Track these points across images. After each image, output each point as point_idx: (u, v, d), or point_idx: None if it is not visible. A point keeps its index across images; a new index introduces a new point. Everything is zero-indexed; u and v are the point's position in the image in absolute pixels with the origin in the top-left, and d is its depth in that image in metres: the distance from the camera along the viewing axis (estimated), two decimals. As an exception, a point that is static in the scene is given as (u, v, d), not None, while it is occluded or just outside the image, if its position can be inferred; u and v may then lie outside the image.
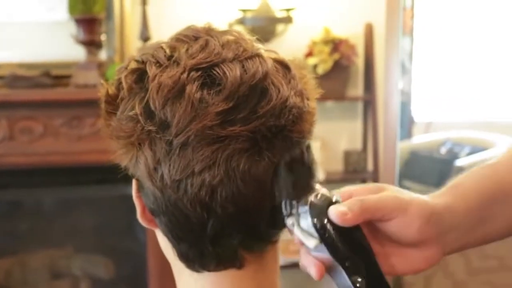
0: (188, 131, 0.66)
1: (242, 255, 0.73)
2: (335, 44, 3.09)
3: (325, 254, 0.67)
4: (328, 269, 0.68)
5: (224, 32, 0.74)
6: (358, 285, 0.66)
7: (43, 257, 3.29)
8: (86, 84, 2.84)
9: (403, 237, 0.71)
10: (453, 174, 2.12)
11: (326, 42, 3.09)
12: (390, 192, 0.72)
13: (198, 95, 0.66)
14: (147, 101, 0.68)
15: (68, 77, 2.90)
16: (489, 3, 1.81)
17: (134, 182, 0.76)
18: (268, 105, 0.67)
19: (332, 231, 0.66)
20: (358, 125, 3.29)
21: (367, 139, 3.27)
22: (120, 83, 0.73)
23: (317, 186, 0.71)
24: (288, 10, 3.05)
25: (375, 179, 3.25)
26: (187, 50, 0.71)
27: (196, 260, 0.75)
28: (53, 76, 2.91)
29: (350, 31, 3.16)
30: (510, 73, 1.76)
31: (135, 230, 3.22)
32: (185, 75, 0.67)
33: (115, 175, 2.84)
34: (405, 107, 2.06)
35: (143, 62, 0.72)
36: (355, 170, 3.23)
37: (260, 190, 0.69)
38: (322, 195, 0.69)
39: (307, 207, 0.68)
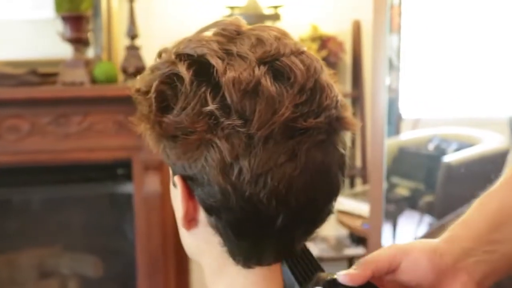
0: (271, 124, 0.66)
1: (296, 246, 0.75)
2: (323, 41, 3.09)
3: None
4: None
5: (265, 28, 0.74)
6: None
7: (31, 256, 3.28)
8: (73, 82, 2.82)
9: (419, 278, 0.69)
10: (441, 170, 2.13)
11: (314, 39, 3.09)
12: (390, 245, 0.73)
13: (273, 88, 0.67)
14: (223, 95, 0.67)
15: (55, 75, 2.88)
16: (476, 1, 1.82)
17: (181, 182, 0.73)
18: (329, 99, 0.70)
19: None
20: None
21: (355, 136, 3.27)
22: (172, 76, 0.71)
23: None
24: (276, 7, 3.05)
25: (364, 176, 3.26)
26: (242, 44, 0.70)
27: (255, 255, 0.74)
28: (40, 74, 2.89)
29: (338, 28, 3.17)
30: (496, 70, 1.78)
31: (124, 229, 3.21)
32: (256, 69, 0.67)
33: (103, 173, 2.83)
34: (393, 103, 2.06)
35: (198, 55, 0.70)
36: (343, 167, 3.23)
37: (329, 181, 0.71)
38: (330, 274, 0.71)
39: None
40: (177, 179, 0.73)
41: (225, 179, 0.68)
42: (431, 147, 2.15)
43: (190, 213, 0.75)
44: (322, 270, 0.72)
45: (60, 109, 2.86)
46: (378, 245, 2.19)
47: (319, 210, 0.73)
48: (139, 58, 2.92)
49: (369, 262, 0.69)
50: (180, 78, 0.69)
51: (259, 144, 0.66)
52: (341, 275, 0.69)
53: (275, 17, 3.06)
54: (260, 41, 0.70)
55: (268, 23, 3.15)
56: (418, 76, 2.00)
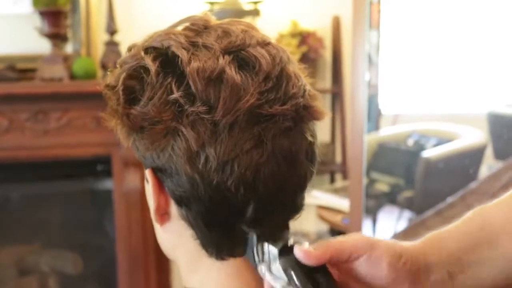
0: (236, 110, 0.67)
1: None
2: (303, 37, 3.09)
3: None
4: None
5: (233, 22, 0.75)
6: None
7: (10, 253, 3.25)
8: (51, 78, 2.80)
9: (375, 277, 0.68)
10: (420, 165, 2.15)
11: (293, 35, 3.09)
12: (358, 234, 0.70)
13: (238, 76, 0.68)
14: (187, 84, 0.67)
15: (33, 70, 2.86)
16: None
17: (151, 175, 0.73)
18: (296, 87, 0.71)
19: (299, 273, 0.66)
20: (326, 117, 3.29)
21: (335, 132, 3.28)
22: (138, 69, 0.71)
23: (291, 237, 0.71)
24: (255, 2, 3.04)
25: (344, 171, 3.27)
26: (208, 36, 0.72)
27: (226, 246, 0.74)
28: (18, 69, 2.87)
29: (318, 24, 3.17)
30: (474, 66, 1.79)
31: (104, 225, 3.20)
32: (221, 58, 0.68)
33: (82, 170, 2.81)
34: (372, 99, 2.07)
35: (165, 48, 0.72)
36: (323, 162, 3.25)
37: (297, 168, 0.71)
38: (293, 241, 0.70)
39: (276, 252, 0.68)
40: (148, 172, 0.73)
41: (192, 168, 0.68)
42: (410, 142, 2.16)
43: (161, 207, 0.75)
44: (288, 235, 0.71)
45: (38, 105, 2.84)
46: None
47: (289, 199, 0.73)
48: (118, 53, 2.90)
49: (330, 246, 0.68)
50: (146, 70, 0.70)
51: (224, 131, 0.67)
52: (297, 249, 0.67)
53: (255, 13, 3.06)
54: (226, 33, 0.72)
55: (248, 19, 3.14)
56: (398, 72, 2.01)
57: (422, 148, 2.12)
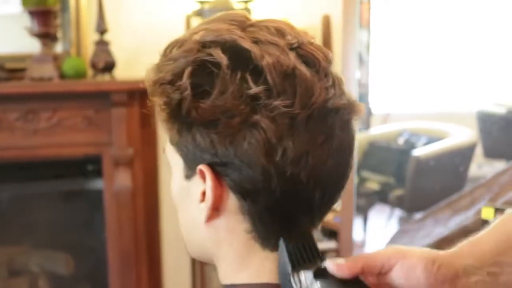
0: (311, 105, 0.69)
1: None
2: (294, 36, 3.09)
3: None
4: None
5: (274, 20, 0.77)
6: None
7: (0, 254, 3.24)
8: (41, 77, 2.79)
9: (412, 283, 0.67)
10: (410, 164, 2.15)
11: (284, 34, 3.09)
12: (388, 247, 0.70)
13: (308, 73, 0.70)
14: (265, 78, 0.69)
15: (23, 70, 2.85)
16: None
17: (209, 171, 0.72)
18: (343, 84, 0.75)
19: (334, 286, 0.67)
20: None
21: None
22: (204, 63, 0.70)
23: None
24: (246, 1, 3.04)
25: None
26: (264, 32, 0.73)
27: (285, 236, 0.73)
28: (8, 69, 2.86)
29: (308, 22, 3.17)
30: (463, 64, 1.80)
31: (95, 225, 3.19)
32: (290, 54, 0.71)
33: (73, 170, 2.80)
34: (363, 98, 2.07)
35: (229, 42, 0.71)
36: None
37: (349, 160, 0.75)
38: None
39: (312, 276, 0.69)
40: (204, 168, 0.72)
41: (268, 160, 0.68)
42: (401, 141, 2.17)
43: (217, 203, 0.74)
44: (321, 258, 0.71)
45: (28, 105, 2.83)
46: (350, 239, 2.20)
47: (340, 190, 0.76)
48: (108, 53, 2.89)
49: (361, 257, 0.68)
50: (215, 64, 0.70)
51: (301, 125, 0.69)
52: (329, 263, 0.68)
53: (246, 11, 3.05)
54: (279, 30, 0.74)
55: (239, 18, 3.14)
56: (388, 71, 2.01)
57: (412, 146, 2.12)
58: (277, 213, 0.72)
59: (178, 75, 0.71)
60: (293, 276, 0.69)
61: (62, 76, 2.84)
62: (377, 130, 2.28)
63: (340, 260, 0.68)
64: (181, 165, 0.76)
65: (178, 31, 3.13)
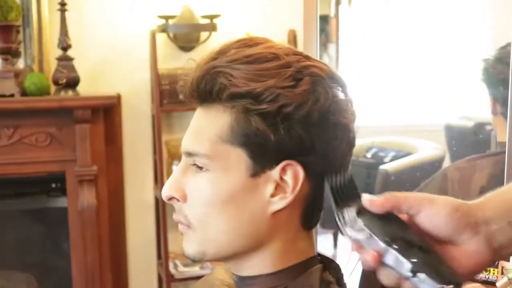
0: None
1: None
2: (259, 51, 3.09)
3: (376, 245, 0.73)
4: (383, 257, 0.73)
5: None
6: (415, 260, 0.70)
7: (-40, 275, 3.16)
8: (2, 94, 2.74)
9: (436, 227, 0.72)
10: (378, 178, 2.15)
11: (250, 49, 3.09)
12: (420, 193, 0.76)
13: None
14: (344, 90, 0.87)
15: (-17, 87, 2.79)
16: (413, 11, 1.85)
17: (298, 166, 0.82)
18: None
19: (374, 221, 0.75)
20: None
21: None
22: (311, 76, 0.83)
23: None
24: (211, 17, 3.03)
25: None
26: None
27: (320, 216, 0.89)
28: (-32, 86, 2.80)
29: (274, 37, 3.16)
30: (431, 78, 1.81)
31: (59, 244, 3.13)
32: None
33: (36, 188, 2.73)
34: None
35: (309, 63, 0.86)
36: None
37: None
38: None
39: (355, 213, 0.77)
40: (293, 163, 0.82)
41: (349, 149, 0.87)
42: (369, 155, 2.17)
43: (299, 194, 0.83)
44: (360, 196, 0.78)
45: (-11, 122, 2.78)
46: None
47: None
48: (71, 69, 2.85)
49: (393, 195, 0.75)
50: (317, 76, 0.84)
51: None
52: (365, 198, 0.76)
53: (211, 27, 3.04)
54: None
55: (204, 33, 3.13)
56: (357, 85, 2.02)
57: (381, 160, 2.13)
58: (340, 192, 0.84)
59: (298, 81, 0.81)
60: (337, 213, 0.78)
61: (24, 92, 2.79)
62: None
63: (373, 197, 0.76)
64: (243, 165, 0.82)
65: (142, 46, 3.10)
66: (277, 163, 0.82)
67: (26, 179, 2.94)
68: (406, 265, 0.70)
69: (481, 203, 0.74)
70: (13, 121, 2.80)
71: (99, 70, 3.10)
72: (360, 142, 2.25)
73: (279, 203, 0.82)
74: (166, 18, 3.01)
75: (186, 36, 3.15)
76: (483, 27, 1.74)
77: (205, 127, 0.83)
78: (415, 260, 0.70)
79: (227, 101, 0.81)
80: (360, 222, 0.75)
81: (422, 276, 0.69)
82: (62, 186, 2.93)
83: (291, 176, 0.82)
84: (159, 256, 3.24)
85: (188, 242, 0.87)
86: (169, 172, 3.12)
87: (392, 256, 0.71)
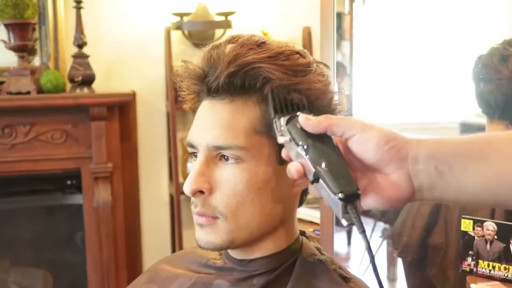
0: None
1: None
2: (274, 48, 3.09)
3: (293, 148, 0.77)
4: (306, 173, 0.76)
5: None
6: (320, 168, 0.73)
7: (-23, 271, 3.18)
8: (19, 91, 2.75)
9: (364, 154, 0.73)
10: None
11: (264, 46, 3.08)
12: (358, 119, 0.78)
13: None
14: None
15: (0, 84, 2.81)
16: (427, 8, 1.84)
17: None
18: None
19: (299, 130, 0.77)
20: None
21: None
22: (325, 72, 0.93)
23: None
24: (226, 14, 3.03)
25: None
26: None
27: None
28: (-16, 83, 2.82)
29: (289, 34, 3.17)
30: (447, 75, 1.80)
31: (74, 241, 3.15)
32: None
33: (51, 184, 2.74)
34: (347, 110, 2.07)
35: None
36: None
37: None
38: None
39: (285, 119, 0.80)
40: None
41: None
42: (383, 153, 2.17)
43: None
44: (301, 110, 0.81)
45: (5, 119, 2.80)
46: (330, 252, 2.19)
47: None
48: (87, 66, 2.87)
49: (328, 118, 0.76)
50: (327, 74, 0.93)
51: None
52: (301, 115, 0.77)
53: (226, 24, 3.05)
54: None
55: (219, 30, 3.13)
56: (371, 82, 2.01)
57: (395, 158, 2.12)
58: None
59: (322, 82, 0.90)
60: (273, 120, 0.81)
61: (40, 90, 2.81)
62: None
63: (310, 116, 0.77)
64: (274, 153, 0.88)
65: (157, 44, 3.11)
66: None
67: (42, 176, 2.95)
68: (311, 170, 0.73)
69: (418, 141, 0.74)
70: (29, 118, 2.82)
71: (114, 67, 3.12)
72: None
73: (301, 185, 0.91)
74: (181, 15, 3.01)
75: (200, 34, 3.15)
76: (500, 23, 1.73)
77: (236, 121, 0.87)
78: (320, 167, 0.72)
79: (262, 94, 0.86)
80: (285, 127, 0.78)
81: (321, 182, 0.72)
82: (78, 183, 2.94)
83: None
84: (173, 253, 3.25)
85: (215, 233, 0.89)
86: (184, 169, 3.13)
87: (302, 160, 0.74)
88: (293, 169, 0.75)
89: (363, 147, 0.73)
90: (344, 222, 0.72)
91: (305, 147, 0.75)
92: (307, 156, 0.74)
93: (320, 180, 0.72)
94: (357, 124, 0.74)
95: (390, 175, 0.73)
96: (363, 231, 0.71)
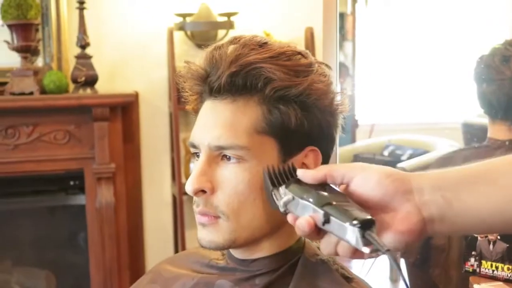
0: None
1: None
2: (277, 49, 3.08)
3: (297, 204, 0.76)
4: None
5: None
6: (331, 205, 0.72)
7: (-21, 272, 3.19)
8: (22, 92, 2.76)
9: (367, 193, 0.73)
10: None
11: (267, 46, 3.08)
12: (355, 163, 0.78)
13: None
14: None
15: (3, 84, 2.81)
16: (430, 10, 1.84)
17: (317, 149, 0.91)
18: None
19: (300, 187, 0.77)
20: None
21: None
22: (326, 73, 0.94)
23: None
24: (229, 15, 3.03)
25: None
26: None
27: None
28: (-13, 84, 2.82)
29: (291, 35, 3.17)
30: (449, 77, 1.80)
31: (77, 241, 3.15)
32: None
33: (54, 185, 2.74)
34: (349, 110, 2.06)
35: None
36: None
37: None
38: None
39: (285, 186, 0.80)
40: (315, 148, 0.90)
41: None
42: (386, 153, 2.16)
43: None
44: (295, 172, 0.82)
45: (8, 120, 2.80)
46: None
47: None
48: (90, 67, 2.87)
49: (325, 167, 0.78)
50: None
51: None
52: (299, 171, 0.80)
53: (229, 25, 3.05)
54: None
55: (221, 31, 3.13)
56: (374, 82, 2.01)
57: (397, 158, 2.11)
58: None
59: (324, 82, 0.91)
60: (272, 192, 0.81)
61: (43, 90, 2.81)
62: (363, 142, 2.27)
63: (306, 170, 0.79)
64: (275, 153, 0.88)
65: (160, 44, 3.11)
66: (301, 149, 0.89)
67: (45, 176, 2.95)
68: (320, 214, 0.72)
69: (418, 175, 0.74)
70: (32, 119, 2.82)
71: (117, 68, 3.12)
72: (377, 140, 2.25)
73: None
74: (184, 16, 3.01)
75: (203, 34, 3.15)
76: (501, 24, 1.73)
77: (238, 120, 0.87)
78: (329, 206, 0.72)
79: (263, 94, 0.87)
80: (285, 190, 0.79)
81: (333, 219, 0.71)
82: (81, 184, 2.94)
83: (312, 159, 0.90)
84: (176, 253, 3.25)
85: (217, 232, 0.89)
86: (187, 170, 3.13)
87: (309, 210, 0.74)
88: (303, 222, 0.73)
89: (366, 187, 0.73)
90: (366, 250, 0.69)
91: (309, 196, 0.74)
92: (313, 203, 0.73)
93: (332, 218, 0.71)
94: (354, 166, 0.76)
95: (397, 211, 0.72)
96: (388, 250, 0.69)
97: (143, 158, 3.20)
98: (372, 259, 2.10)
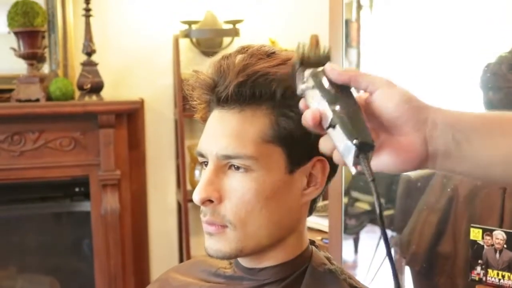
0: None
1: None
2: (282, 56, 3.09)
3: (314, 95, 0.75)
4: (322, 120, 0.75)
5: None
6: (342, 113, 0.71)
7: (-16, 278, 3.19)
8: (28, 99, 2.76)
9: (383, 109, 0.72)
10: (400, 184, 2.14)
11: (272, 54, 3.09)
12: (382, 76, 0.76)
13: None
14: None
15: (9, 91, 2.82)
16: (434, 15, 1.85)
17: (325, 160, 0.91)
18: None
19: (323, 80, 0.75)
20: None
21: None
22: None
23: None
24: (234, 22, 3.04)
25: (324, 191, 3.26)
26: None
27: None
28: (-6, 90, 2.83)
29: (296, 42, 3.17)
30: (454, 83, 1.80)
31: (82, 248, 3.15)
32: None
33: (59, 192, 2.74)
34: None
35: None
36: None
37: None
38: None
39: (310, 72, 0.78)
40: (323, 158, 0.90)
41: None
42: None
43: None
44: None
45: (14, 127, 2.81)
46: (339, 260, 2.19)
47: None
48: (96, 74, 2.88)
49: (353, 71, 0.75)
50: None
51: None
52: (327, 64, 0.76)
53: (234, 32, 3.05)
54: None
55: (227, 39, 3.14)
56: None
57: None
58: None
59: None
60: (298, 71, 0.79)
61: (49, 97, 2.82)
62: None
63: (336, 65, 0.75)
64: (282, 163, 0.89)
65: (165, 52, 3.12)
66: (309, 159, 0.90)
67: (50, 183, 2.96)
68: (329, 116, 0.72)
69: (437, 108, 0.73)
70: (38, 125, 2.83)
71: (123, 75, 3.13)
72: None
73: (310, 194, 0.92)
74: (189, 23, 3.02)
75: (209, 41, 3.16)
76: (508, 31, 1.73)
77: (245, 130, 0.87)
78: (339, 113, 0.71)
79: (271, 102, 0.87)
80: (309, 76, 0.77)
81: (337, 128, 0.71)
82: (86, 191, 2.95)
83: (320, 169, 0.91)
84: (181, 261, 3.25)
85: (224, 241, 0.89)
86: (192, 177, 3.13)
87: (321, 106, 0.73)
88: (309, 115, 0.73)
89: (385, 103, 0.72)
90: (353, 170, 0.71)
91: (327, 93, 0.74)
92: (327, 101, 0.73)
93: (337, 126, 0.71)
94: (382, 79, 0.74)
95: (406, 136, 0.72)
96: (373, 180, 0.70)
97: (148, 165, 3.20)
98: (376, 268, 2.10)
